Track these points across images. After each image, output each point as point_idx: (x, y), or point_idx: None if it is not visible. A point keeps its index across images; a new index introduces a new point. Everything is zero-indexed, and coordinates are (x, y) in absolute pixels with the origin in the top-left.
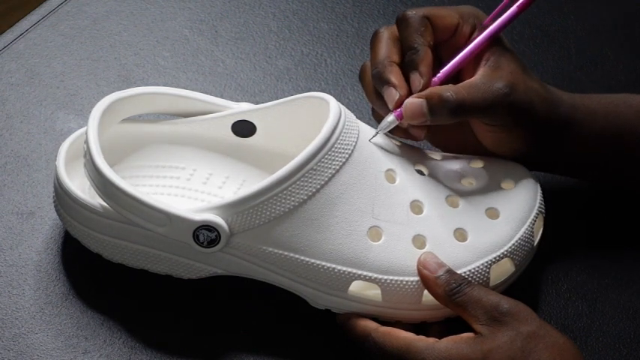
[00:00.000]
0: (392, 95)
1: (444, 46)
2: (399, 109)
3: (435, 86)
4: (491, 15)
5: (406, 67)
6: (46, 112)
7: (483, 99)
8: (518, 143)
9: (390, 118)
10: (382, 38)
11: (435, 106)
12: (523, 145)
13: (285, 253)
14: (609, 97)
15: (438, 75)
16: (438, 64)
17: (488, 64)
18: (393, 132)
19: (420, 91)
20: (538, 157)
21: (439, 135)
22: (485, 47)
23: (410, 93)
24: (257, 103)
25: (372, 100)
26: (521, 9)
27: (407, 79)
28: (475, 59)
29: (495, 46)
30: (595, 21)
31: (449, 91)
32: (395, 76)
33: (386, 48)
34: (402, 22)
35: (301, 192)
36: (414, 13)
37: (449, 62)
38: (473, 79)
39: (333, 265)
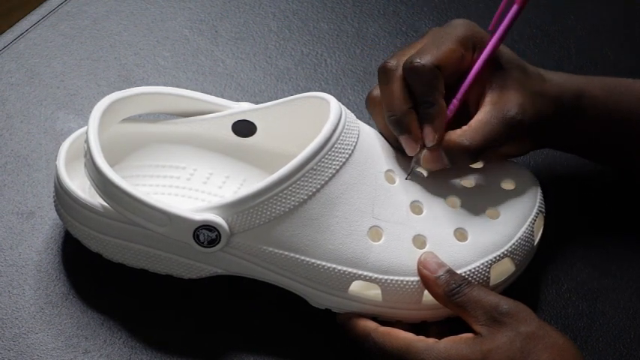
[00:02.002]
0: (412, 146)
1: (448, 74)
2: None
3: (452, 133)
4: (493, 22)
5: (422, 117)
6: (46, 112)
7: (500, 132)
8: (523, 149)
9: (421, 154)
10: (395, 77)
11: (454, 154)
12: (527, 148)
13: (286, 253)
14: (612, 81)
15: (450, 108)
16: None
17: (493, 88)
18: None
19: (434, 145)
20: (546, 144)
21: None
22: (486, 67)
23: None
24: (257, 103)
25: (384, 131)
26: (514, 17)
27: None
28: (478, 82)
29: (495, 63)
30: (595, 21)
31: (465, 138)
32: (414, 125)
33: (401, 91)
34: (412, 74)
35: (301, 192)
36: (423, 65)
37: (457, 93)
38: (484, 115)
39: (334, 265)
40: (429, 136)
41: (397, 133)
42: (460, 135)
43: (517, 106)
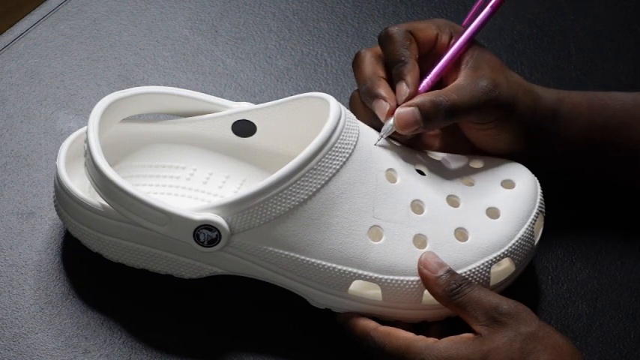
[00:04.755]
0: (382, 107)
1: (425, 58)
2: None
3: (425, 93)
4: (467, 18)
5: (394, 79)
6: (46, 112)
7: (472, 97)
8: (508, 139)
9: (391, 121)
10: (365, 58)
11: (429, 112)
12: (513, 141)
13: (286, 253)
14: (594, 92)
15: (423, 85)
16: (422, 76)
17: (469, 66)
18: (412, 144)
19: (407, 100)
20: (528, 153)
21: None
22: (464, 51)
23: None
24: (257, 103)
25: (367, 123)
26: (494, 10)
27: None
28: (455, 64)
29: (472, 48)
30: (595, 21)
31: (439, 95)
32: (383, 89)
33: (371, 65)
34: (386, 39)
35: (302, 191)
36: (397, 29)
37: (431, 71)
38: (457, 81)
39: (334, 265)
40: (402, 90)
41: (369, 102)
42: (435, 93)
43: (490, 79)
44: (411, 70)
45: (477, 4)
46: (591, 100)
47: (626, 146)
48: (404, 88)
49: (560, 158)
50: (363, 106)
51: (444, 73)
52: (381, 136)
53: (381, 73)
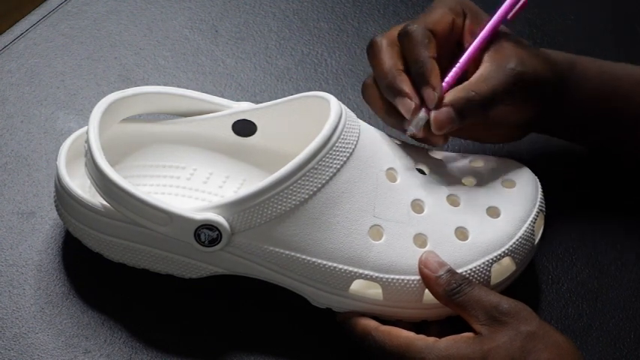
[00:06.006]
0: (407, 105)
1: (442, 43)
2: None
3: (455, 90)
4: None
5: (416, 81)
6: (46, 112)
7: (503, 83)
8: (527, 112)
9: (422, 114)
10: (382, 47)
11: (464, 109)
12: (531, 113)
13: (287, 252)
14: (604, 61)
15: (447, 80)
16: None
17: (490, 50)
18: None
19: (439, 103)
20: (540, 121)
21: None
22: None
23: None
24: (257, 102)
25: (382, 114)
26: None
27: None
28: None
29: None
30: (595, 21)
31: (470, 90)
32: (406, 85)
33: (389, 57)
34: (405, 37)
35: (302, 191)
36: (416, 27)
37: (453, 66)
38: (483, 69)
39: (334, 264)
40: (430, 96)
41: (392, 98)
42: (464, 89)
43: (516, 58)
44: (432, 72)
45: None
46: (601, 67)
47: (631, 113)
48: (431, 93)
49: (567, 121)
50: (378, 94)
51: (466, 67)
52: (411, 130)
53: (400, 65)
